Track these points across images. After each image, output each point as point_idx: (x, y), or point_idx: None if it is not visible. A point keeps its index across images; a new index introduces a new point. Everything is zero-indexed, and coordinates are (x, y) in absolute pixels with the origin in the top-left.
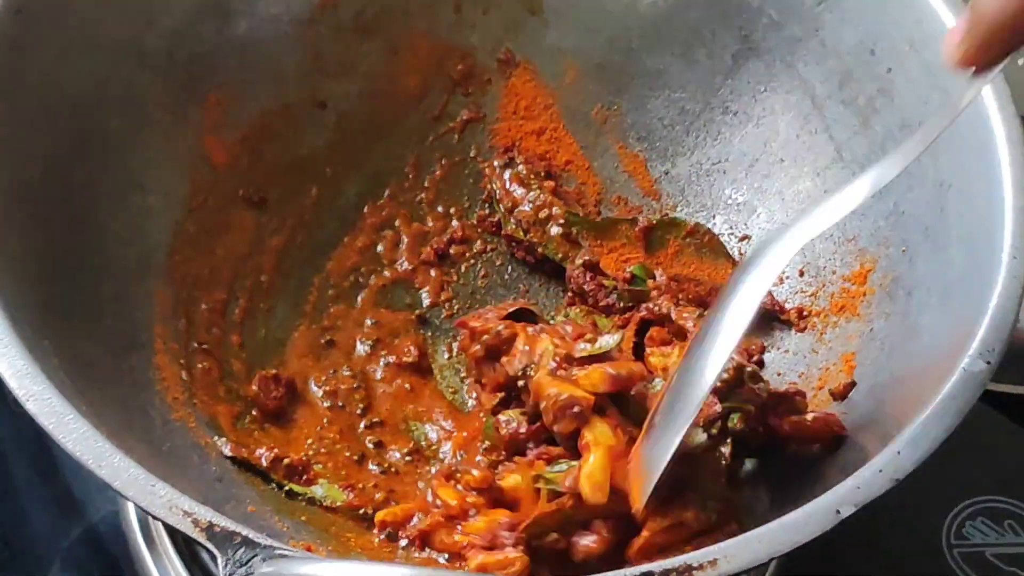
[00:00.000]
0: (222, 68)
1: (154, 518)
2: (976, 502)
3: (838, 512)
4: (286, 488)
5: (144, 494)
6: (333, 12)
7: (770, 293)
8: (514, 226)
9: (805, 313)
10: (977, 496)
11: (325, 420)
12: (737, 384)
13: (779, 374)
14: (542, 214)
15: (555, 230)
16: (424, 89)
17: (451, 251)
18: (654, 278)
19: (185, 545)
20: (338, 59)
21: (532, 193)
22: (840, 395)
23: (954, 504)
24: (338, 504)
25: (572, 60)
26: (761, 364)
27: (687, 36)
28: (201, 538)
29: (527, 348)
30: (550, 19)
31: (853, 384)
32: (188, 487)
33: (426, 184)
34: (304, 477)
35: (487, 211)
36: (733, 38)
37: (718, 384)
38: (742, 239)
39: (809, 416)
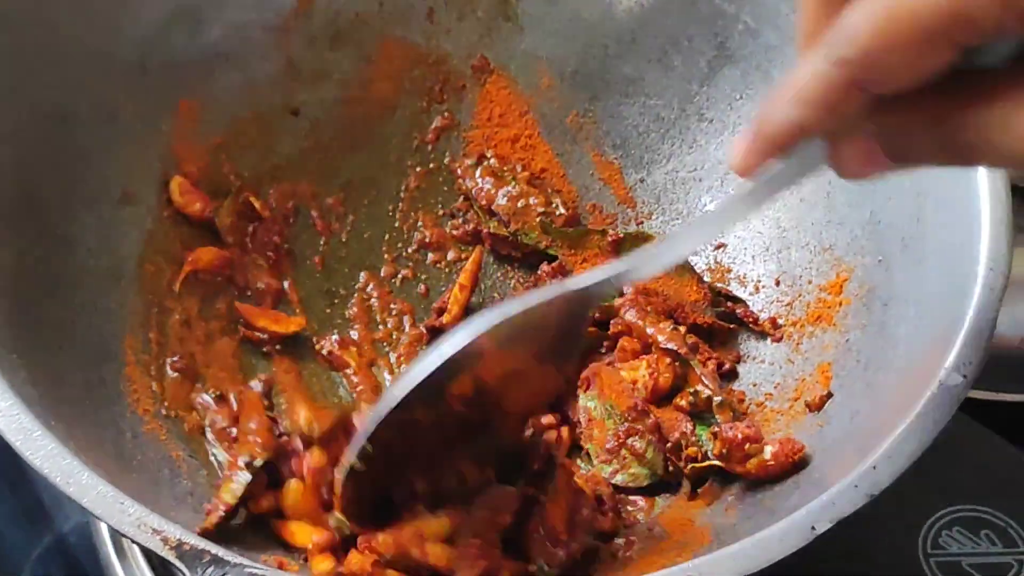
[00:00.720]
0: (194, 76)
1: (119, 534)
2: (953, 511)
3: (813, 528)
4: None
5: (113, 512)
6: (306, 19)
7: (744, 304)
8: (496, 224)
9: (780, 323)
10: (954, 505)
11: None
12: (706, 408)
13: (754, 385)
14: (520, 204)
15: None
16: (398, 97)
17: (427, 258)
18: (622, 293)
19: (156, 558)
20: (311, 67)
21: (507, 187)
22: (816, 406)
23: (931, 513)
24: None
25: (547, 67)
26: (735, 374)
27: (663, 43)
28: (171, 556)
29: None
30: (525, 25)
31: (829, 395)
32: (158, 502)
33: (401, 194)
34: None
35: (460, 220)
36: (709, 45)
37: (685, 406)
38: (718, 247)
39: (767, 453)
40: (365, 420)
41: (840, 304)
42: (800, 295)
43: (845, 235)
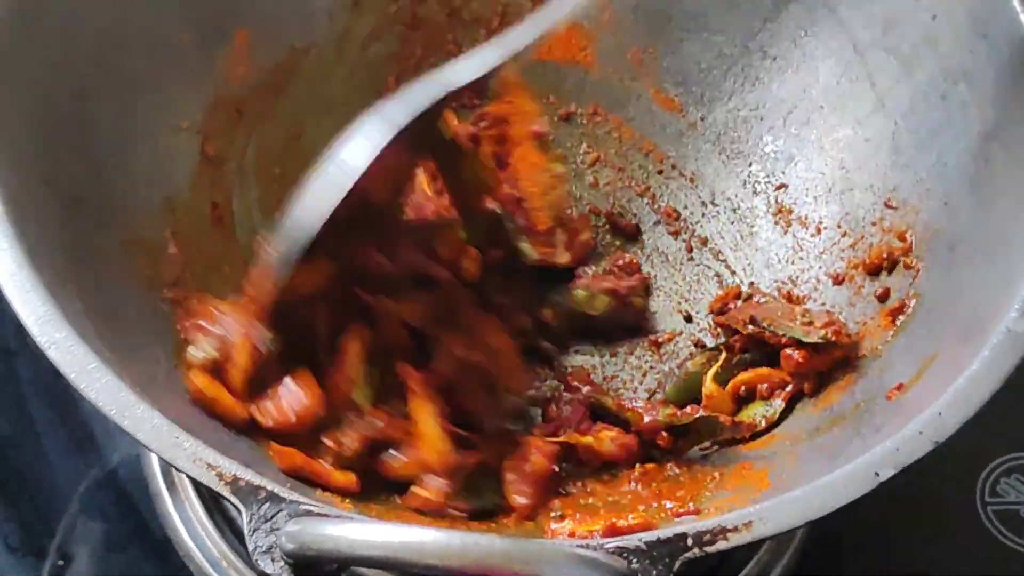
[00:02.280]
0: (251, 4)
1: (178, 470)
2: (1011, 459)
3: (877, 475)
4: None
5: (168, 446)
6: None
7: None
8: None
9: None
10: (1012, 452)
11: None
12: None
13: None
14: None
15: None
16: (454, 27)
17: None
18: None
19: (208, 492)
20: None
21: None
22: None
23: (988, 461)
24: None
25: (608, 1)
26: None
27: None
28: (225, 492)
29: None
30: None
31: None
32: (214, 436)
33: None
34: None
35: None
36: None
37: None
38: (779, 188)
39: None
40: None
41: (904, 247)
42: (863, 237)
43: (910, 177)
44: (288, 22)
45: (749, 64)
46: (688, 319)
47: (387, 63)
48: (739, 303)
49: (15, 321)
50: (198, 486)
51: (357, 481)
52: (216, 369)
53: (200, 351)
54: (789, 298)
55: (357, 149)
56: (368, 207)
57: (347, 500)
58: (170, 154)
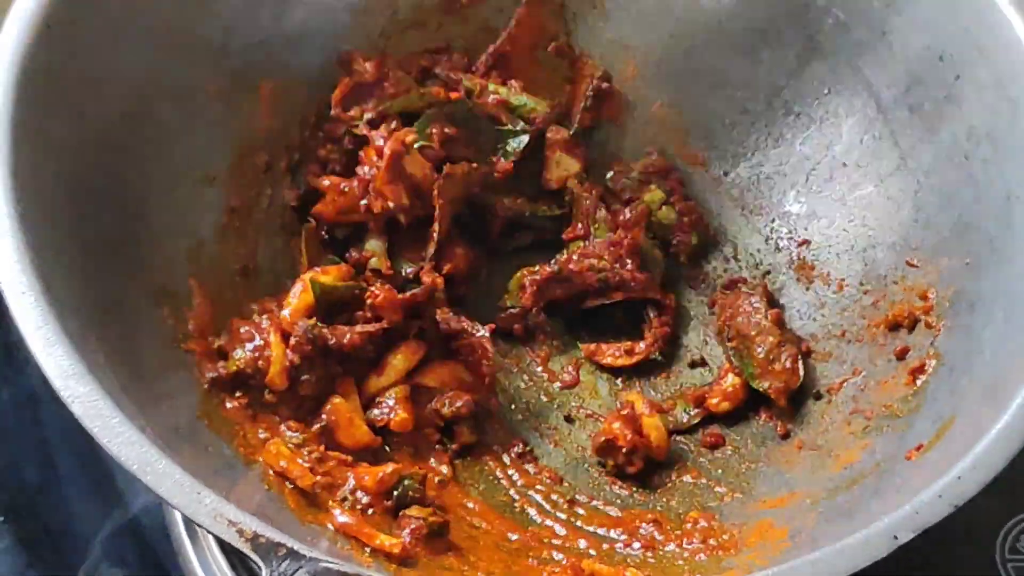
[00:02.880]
0: (276, 57)
1: (199, 526)
2: None
3: (895, 538)
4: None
5: (189, 501)
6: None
7: None
8: None
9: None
10: None
11: None
12: None
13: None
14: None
15: None
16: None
17: None
18: None
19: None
20: (393, 48)
21: None
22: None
23: (1008, 518)
24: None
25: (633, 56)
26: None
27: (751, 35)
28: (246, 548)
29: None
30: (611, 13)
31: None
32: (234, 489)
33: None
34: None
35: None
36: (798, 38)
37: None
38: (801, 244)
39: None
40: None
41: (925, 306)
42: (884, 295)
43: (932, 236)
44: (310, 73)
45: (773, 120)
46: (701, 364)
47: None
48: None
49: (39, 369)
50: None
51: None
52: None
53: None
54: (809, 354)
55: None
56: None
57: (368, 556)
58: (196, 204)
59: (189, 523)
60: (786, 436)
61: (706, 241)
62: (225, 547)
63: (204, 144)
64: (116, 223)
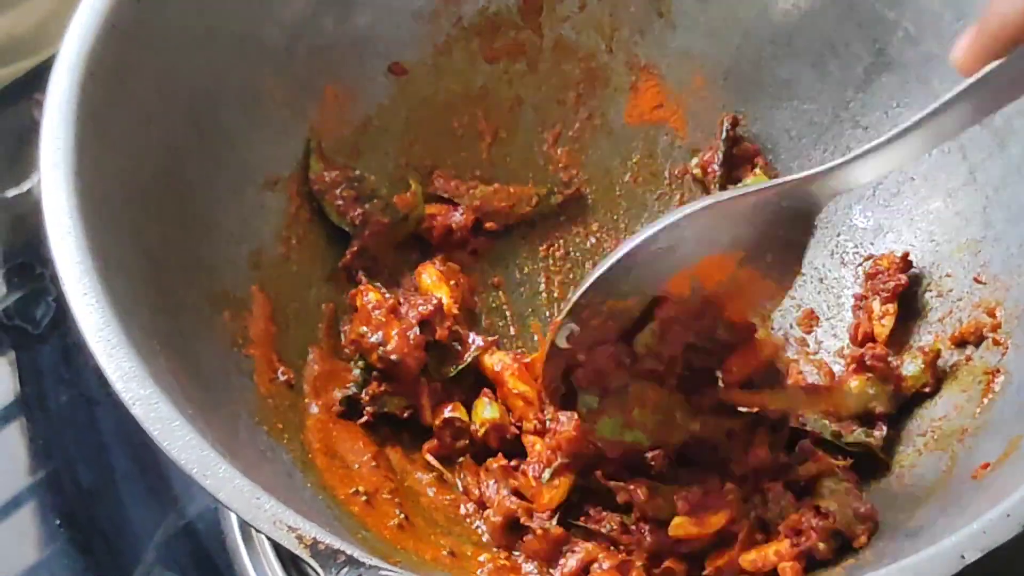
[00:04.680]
0: (341, 62)
1: (258, 531)
2: None
3: (963, 557)
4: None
5: (249, 507)
6: (455, 7)
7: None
8: None
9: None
10: None
11: None
12: None
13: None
14: None
15: None
16: (543, 90)
17: None
18: None
19: (284, 548)
20: (458, 55)
21: None
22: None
23: None
24: None
25: (699, 66)
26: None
27: (819, 46)
28: (305, 555)
29: None
30: (678, 23)
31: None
32: (293, 496)
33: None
34: None
35: None
36: (867, 50)
37: None
38: (867, 259)
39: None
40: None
41: (993, 323)
42: (951, 312)
43: (1001, 252)
44: (374, 79)
45: (840, 133)
46: None
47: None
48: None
49: (97, 371)
50: (276, 544)
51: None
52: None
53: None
54: None
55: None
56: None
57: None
58: (258, 209)
59: (244, 528)
60: None
61: None
62: (281, 553)
63: (268, 149)
64: (178, 227)
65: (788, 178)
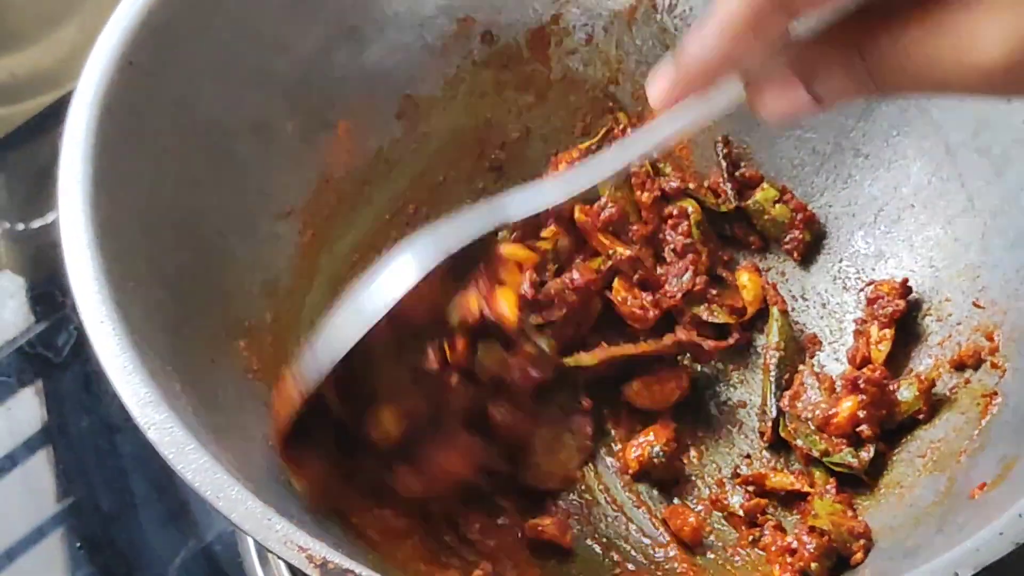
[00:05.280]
0: (353, 95)
1: (269, 551)
2: None
3: (956, 574)
4: None
5: (260, 528)
6: (466, 41)
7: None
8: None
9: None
10: None
11: None
12: None
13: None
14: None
15: None
16: (551, 123)
17: None
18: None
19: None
20: (469, 88)
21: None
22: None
23: None
24: None
25: None
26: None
27: None
28: (315, 574)
29: None
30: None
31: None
32: (305, 519)
33: None
34: None
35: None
36: None
37: None
38: (868, 284)
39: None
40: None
41: (991, 347)
42: (951, 336)
43: (999, 277)
44: (386, 115)
45: (842, 162)
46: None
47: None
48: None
49: (116, 398)
50: (292, 566)
51: None
52: None
53: None
54: None
55: (398, 272)
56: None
57: None
58: (272, 239)
59: (261, 551)
60: None
61: (820, 237)
62: (295, 572)
63: (281, 180)
64: (193, 256)
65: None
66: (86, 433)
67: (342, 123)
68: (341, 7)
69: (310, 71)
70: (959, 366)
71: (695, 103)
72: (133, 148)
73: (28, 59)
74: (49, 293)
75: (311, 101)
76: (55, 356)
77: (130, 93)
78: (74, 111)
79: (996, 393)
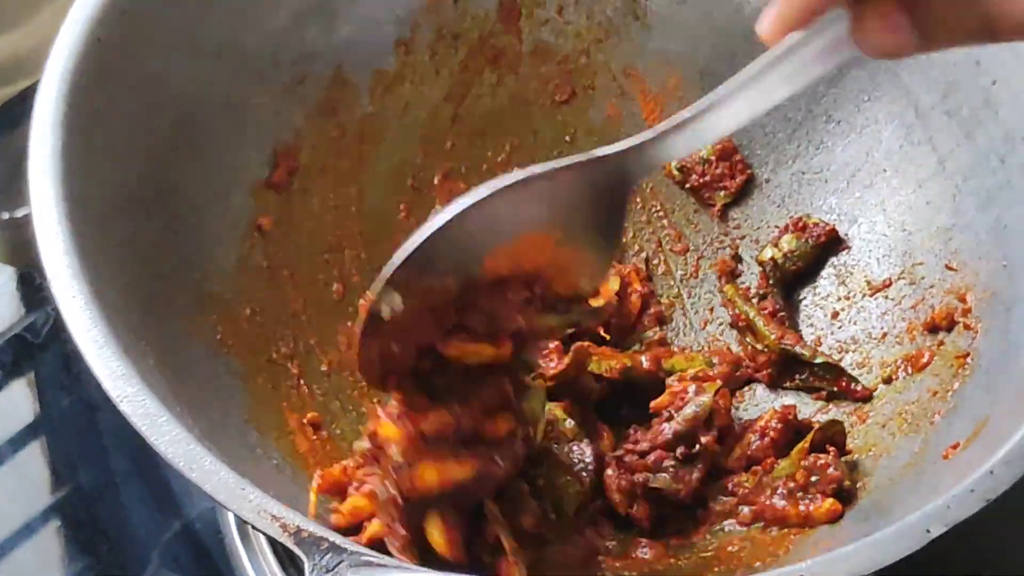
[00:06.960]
0: (324, 70)
1: (243, 521)
2: None
3: (928, 531)
4: None
5: (234, 498)
6: (435, 15)
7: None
8: None
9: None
10: None
11: None
12: None
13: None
14: None
15: None
16: (524, 95)
17: None
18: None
19: (280, 546)
20: (438, 62)
21: None
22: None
23: None
24: None
25: (675, 66)
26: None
27: None
28: (289, 542)
29: None
30: (653, 25)
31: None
32: (280, 489)
33: None
34: None
35: None
36: None
37: None
38: (842, 249)
39: None
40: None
41: (964, 308)
42: (924, 299)
43: (971, 239)
44: (357, 90)
45: (813, 128)
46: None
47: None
48: None
49: (94, 376)
50: (271, 540)
51: None
52: None
53: None
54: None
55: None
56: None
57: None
58: (244, 212)
59: (242, 528)
60: None
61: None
62: (276, 548)
63: (254, 154)
64: (165, 231)
65: (602, 151)
66: (66, 413)
67: (314, 98)
68: None
69: (280, 46)
70: (933, 329)
71: (802, 36)
72: (103, 124)
73: (8, 44)
74: (27, 275)
75: (282, 76)
76: (33, 337)
77: (99, 70)
78: (43, 89)
79: (969, 354)
